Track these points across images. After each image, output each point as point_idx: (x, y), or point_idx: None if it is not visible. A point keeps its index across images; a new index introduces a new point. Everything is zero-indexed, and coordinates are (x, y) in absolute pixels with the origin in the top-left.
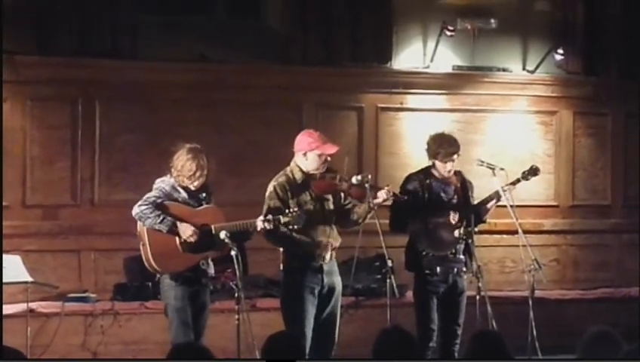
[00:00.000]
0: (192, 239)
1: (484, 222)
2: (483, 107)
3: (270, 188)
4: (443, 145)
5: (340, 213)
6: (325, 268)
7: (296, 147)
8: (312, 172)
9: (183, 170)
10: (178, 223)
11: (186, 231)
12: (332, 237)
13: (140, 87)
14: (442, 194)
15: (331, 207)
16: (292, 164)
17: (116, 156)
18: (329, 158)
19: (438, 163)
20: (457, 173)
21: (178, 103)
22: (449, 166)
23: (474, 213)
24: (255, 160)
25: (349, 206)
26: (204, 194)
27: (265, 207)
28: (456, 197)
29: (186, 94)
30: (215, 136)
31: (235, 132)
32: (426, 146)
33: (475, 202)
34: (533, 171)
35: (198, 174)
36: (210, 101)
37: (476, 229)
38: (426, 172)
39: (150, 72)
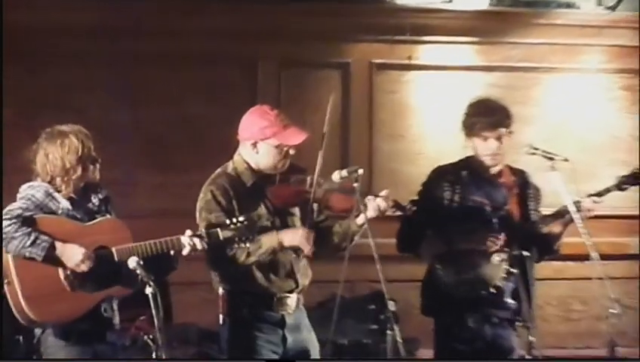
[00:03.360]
0: (83, 267)
1: (556, 252)
2: (536, 64)
3: (206, 194)
4: (481, 113)
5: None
6: (289, 320)
7: (243, 133)
8: (267, 171)
9: (52, 168)
10: (59, 245)
11: (73, 255)
12: (299, 272)
13: (14, 36)
14: (485, 202)
15: (298, 225)
16: (236, 157)
17: None
18: (292, 151)
19: (477, 142)
20: (517, 173)
21: (69, 59)
22: (492, 144)
23: (534, 237)
24: (186, 146)
25: (327, 223)
26: (96, 200)
27: (200, 224)
28: (507, 207)
29: (82, 46)
30: (125, 110)
31: (156, 102)
32: (461, 120)
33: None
34: (635, 178)
35: (75, 174)
36: (118, 55)
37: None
38: (463, 166)
39: (32, 13)
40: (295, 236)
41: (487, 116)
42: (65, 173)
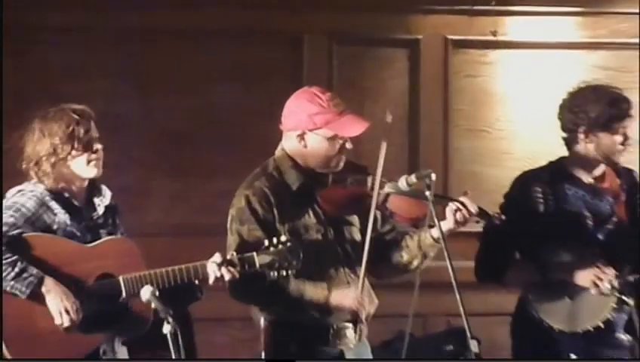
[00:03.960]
0: (64, 321)
1: None
2: None
3: (239, 200)
4: (600, 103)
5: (376, 249)
6: (349, 356)
7: (287, 121)
8: (317, 170)
9: (40, 147)
10: (49, 282)
11: (59, 300)
12: (361, 297)
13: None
14: (586, 214)
15: (358, 237)
16: (278, 153)
17: None
18: (349, 145)
19: (605, 137)
20: (624, 174)
21: (64, 38)
22: (612, 141)
23: None
24: (212, 144)
25: (393, 235)
26: (100, 207)
27: (230, 239)
28: (614, 220)
29: (80, 20)
30: (135, 99)
31: (173, 90)
32: (563, 117)
33: None
34: None
35: (63, 153)
36: (126, 32)
37: None
38: (555, 170)
39: None
40: (346, 298)
41: (614, 105)
42: (53, 152)
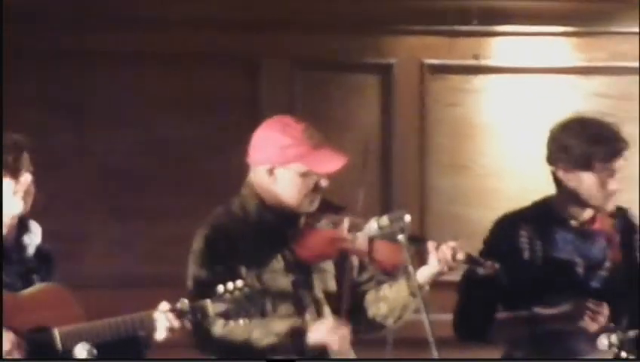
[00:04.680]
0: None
1: None
2: None
3: (198, 242)
4: (594, 139)
5: (352, 301)
6: None
7: (255, 154)
8: (288, 209)
9: None
10: None
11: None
12: (334, 354)
13: None
14: (577, 260)
15: (332, 286)
16: (244, 190)
17: None
18: (324, 183)
19: (587, 178)
20: (617, 214)
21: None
22: (612, 185)
23: None
24: (160, 183)
25: (370, 285)
26: (29, 251)
27: (189, 282)
28: (607, 266)
29: (6, 37)
30: (70, 132)
31: (115, 120)
32: (547, 149)
33: None
34: None
35: (13, 180)
36: (62, 53)
37: None
38: (541, 211)
39: None
40: (320, 330)
41: (606, 143)
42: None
